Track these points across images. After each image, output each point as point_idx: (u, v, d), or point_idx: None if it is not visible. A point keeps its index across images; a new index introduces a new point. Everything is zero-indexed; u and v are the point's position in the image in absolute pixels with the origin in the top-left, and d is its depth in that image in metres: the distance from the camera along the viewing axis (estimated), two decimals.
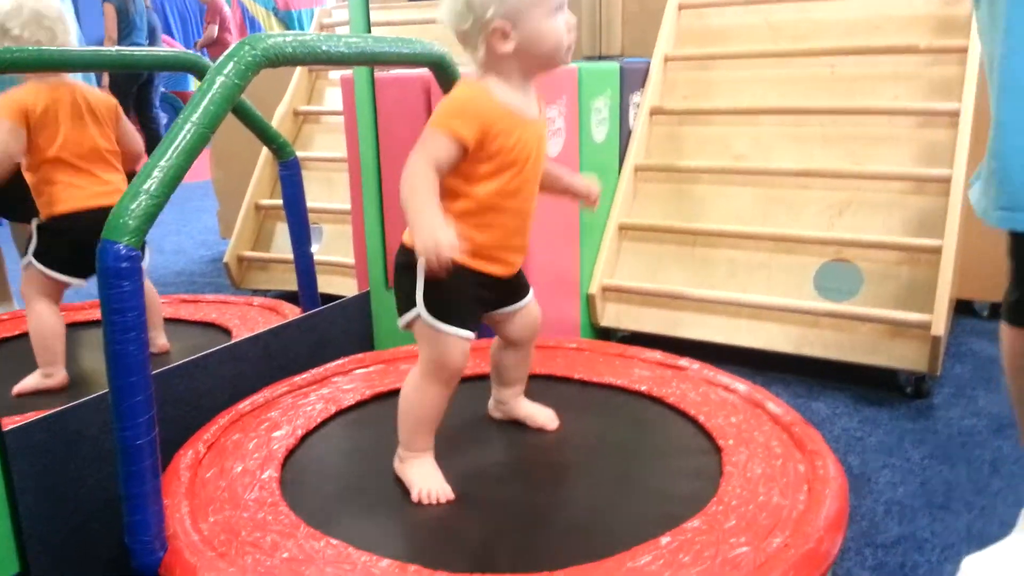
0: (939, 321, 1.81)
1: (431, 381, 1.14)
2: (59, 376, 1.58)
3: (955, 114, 2.01)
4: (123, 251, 0.90)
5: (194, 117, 0.97)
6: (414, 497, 1.12)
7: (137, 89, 4.07)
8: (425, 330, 1.12)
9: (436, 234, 0.99)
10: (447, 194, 1.08)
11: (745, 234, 2.16)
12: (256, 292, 2.41)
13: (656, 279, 2.22)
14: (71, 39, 1.50)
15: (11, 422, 1.07)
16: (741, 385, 1.48)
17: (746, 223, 2.19)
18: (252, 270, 2.48)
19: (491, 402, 1.37)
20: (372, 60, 1.22)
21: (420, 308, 1.11)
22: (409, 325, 1.14)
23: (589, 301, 2.20)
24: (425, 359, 1.13)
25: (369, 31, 1.64)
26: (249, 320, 1.78)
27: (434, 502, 1.11)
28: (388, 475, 1.20)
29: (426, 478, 1.14)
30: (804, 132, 2.22)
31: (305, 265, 1.73)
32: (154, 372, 1.26)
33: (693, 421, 1.37)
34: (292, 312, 1.82)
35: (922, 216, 2.01)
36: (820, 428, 1.64)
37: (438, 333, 1.11)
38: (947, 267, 1.86)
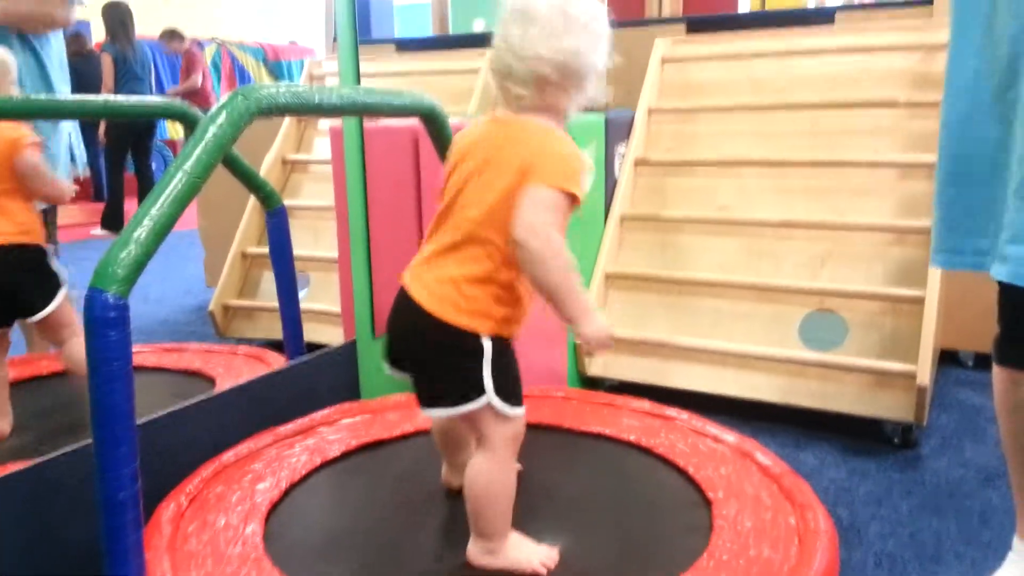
0: (924, 371, 1.82)
1: (510, 460, 1.08)
2: (3, 424, 1.54)
3: (933, 166, 2.04)
4: (111, 300, 0.89)
5: (186, 166, 0.97)
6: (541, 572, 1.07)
7: (135, 139, 4.02)
8: (493, 414, 1.04)
9: (601, 319, 0.99)
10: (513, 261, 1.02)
11: (729, 283, 2.18)
12: (241, 341, 2.38)
13: (642, 328, 2.22)
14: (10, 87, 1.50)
15: None
16: (730, 436, 1.47)
17: (730, 272, 2.20)
18: (237, 318, 2.46)
19: (445, 470, 1.29)
20: (364, 111, 1.23)
21: (491, 395, 1.03)
22: (469, 413, 1.05)
23: (576, 350, 2.19)
24: (500, 443, 1.05)
25: (359, 82, 1.66)
26: (234, 369, 1.76)
27: (553, 564, 1.08)
28: (374, 529, 1.18)
29: (531, 551, 1.09)
30: (787, 184, 2.25)
31: (291, 313, 1.72)
32: (137, 423, 1.25)
33: (682, 472, 1.36)
34: (277, 361, 1.80)
35: (904, 266, 2.04)
36: (809, 479, 1.62)
37: (510, 416, 1.05)
38: (930, 317, 1.88)
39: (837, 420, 1.99)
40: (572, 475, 1.36)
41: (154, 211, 0.93)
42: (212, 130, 1.01)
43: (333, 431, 1.48)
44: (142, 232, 0.92)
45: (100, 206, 4.08)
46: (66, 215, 3.78)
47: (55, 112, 1.45)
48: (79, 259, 1.62)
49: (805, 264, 2.14)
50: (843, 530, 1.51)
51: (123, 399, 0.91)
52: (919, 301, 1.92)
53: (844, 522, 1.56)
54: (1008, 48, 1.08)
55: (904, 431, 1.91)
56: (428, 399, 1.08)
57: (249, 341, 2.36)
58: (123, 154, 4.00)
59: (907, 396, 1.86)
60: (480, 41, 2.72)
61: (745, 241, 2.24)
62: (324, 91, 1.16)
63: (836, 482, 1.75)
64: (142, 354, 1.86)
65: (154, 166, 4.74)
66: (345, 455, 1.41)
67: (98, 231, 3.85)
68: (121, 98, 1.50)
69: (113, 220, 3.90)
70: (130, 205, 3.33)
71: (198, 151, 0.99)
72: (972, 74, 1.07)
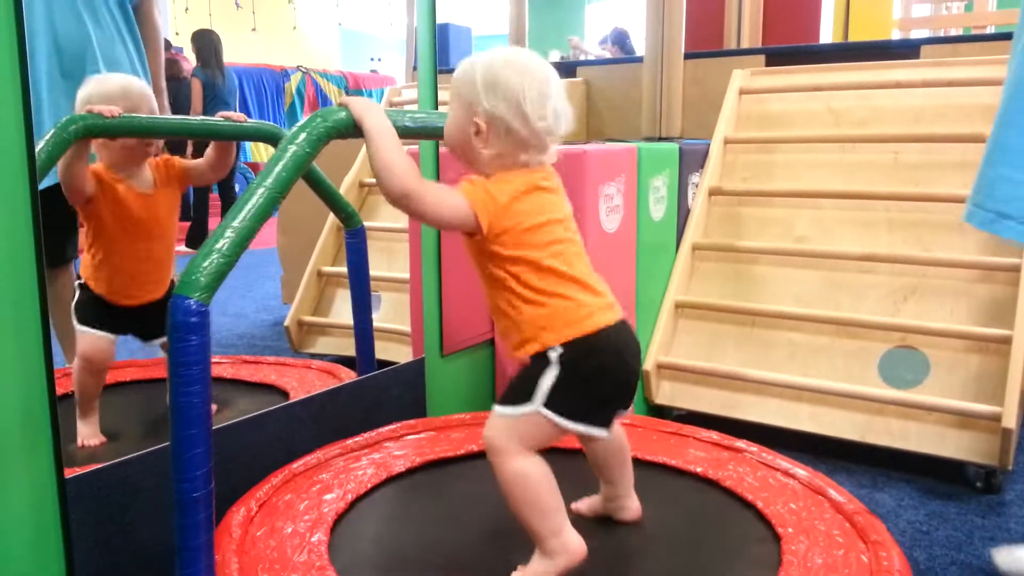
0: (1010, 413, 1.74)
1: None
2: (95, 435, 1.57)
3: None
4: (193, 306, 0.93)
5: (267, 182, 1.02)
6: None
7: None
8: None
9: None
10: None
11: (807, 316, 2.12)
12: (314, 356, 2.44)
13: (713, 358, 2.19)
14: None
15: (71, 472, 1.09)
16: (801, 471, 1.43)
17: (807, 306, 2.15)
18: (311, 334, 2.52)
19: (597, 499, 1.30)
20: (436, 135, 1.26)
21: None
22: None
23: (644, 378, 2.17)
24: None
25: (436, 108, 1.71)
26: (306, 382, 1.80)
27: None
28: (434, 545, 1.18)
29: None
30: (868, 217, 2.20)
31: (364, 330, 1.76)
32: (212, 428, 1.29)
33: (751, 507, 1.32)
34: (348, 376, 1.83)
35: (991, 304, 1.95)
36: (885, 520, 1.56)
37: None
38: (1018, 358, 1.80)
39: (917, 461, 1.91)
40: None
41: (236, 223, 0.98)
42: (292, 149, 1.05)
43: (399, 446, 1.50)
44: (224, 243, 0.96)
45: (186, 225, 4.24)
46: None
47: (158, 131, 1.53)
48: None
49: (887, 299, 2.08)
50: (919, 573, 1.45)
51: (201, 402, 0.94)
52: (1006, 340, 1.84)
53: (921, 565, 1.49)
54: None
55: (988, 475, 1.82)
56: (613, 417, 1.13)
57: (322, 356, 2.42)
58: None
59: (991, 439, 1.78)
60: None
61: (824, 274, 2.19)
62: (397, 114, 1.20)
63: (914, 524, 1.68)
64: (221, 365, 1.93)
65: (237, 187, 4.92)
66: (410, 471, 1.42)
67: (183, 248, 4.01)
68: (219, 120, 1.56)
69: (198, 238, 4.04)
70: (213, 224, 3.47)
71: (278, 168, 1.03)
72: None
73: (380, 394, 1.65)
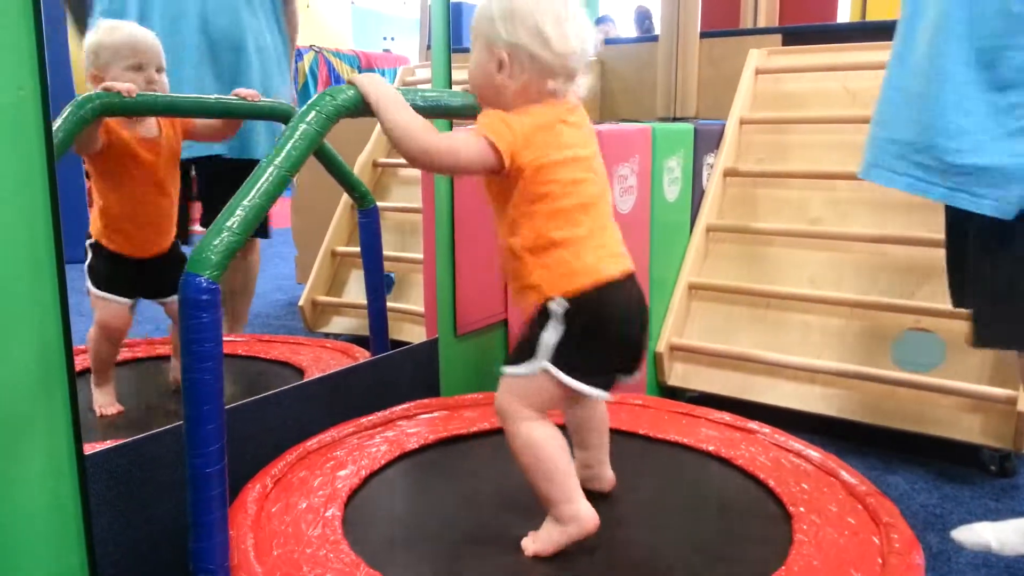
0: None
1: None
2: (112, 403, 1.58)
3: None
4: (204, 284, 0.93)
5: (276, 161, 1.02)
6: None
7: None
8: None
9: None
10: None
11: (820, 298, 2.11)
12: (329, 335, 2.46)
13: (726, 340, 2.18)
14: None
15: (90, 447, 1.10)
16: (814, 452, 1.43)
17: (821, 288, 2.14)
18: (326, 314, 2.53)
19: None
20: (446, 113, 1.26)
21: None
22: None
23: (656, 359, 2.17)
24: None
25: (450, 87, 1.70)
26: (322, 361, 1.81)
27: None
28: (447, 520, 1.19)
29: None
30: (883, 198, 2.17)
31: (378, 310, 1.77)
32: (228, 407, 1.30)
33: (762, 485, 1.32)
34: (362, 355, 1.84)
35: None
36: (897, 503, 1.56)
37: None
38: None
39: (931, 444, 1.90)
40: (646, 482, 1.34)
41: (246, 202, 0.98)
42: (302, 127, 1.05)
43: (412, 424, 1.51)
44: (235, 221, 0.96)
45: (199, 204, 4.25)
46: None
47: (174, 110, 1.53)
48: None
49: (902, 281, 2.06)
50: (931, 556, 1.45)
51: (213, 378, 0.95)
52: None
53: (933, 548, 1.49)
54: None
55: (1002, 459, 1.82)
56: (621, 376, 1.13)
57: (336, 336, 2.43)
58: None
59: (1006, 422, 1.76)
60: None
61: (838, 255, 2.17)
62: (408, 92, 1.19)
63: (927, 507, 1.67)
64: (237, 343, 1.94)
65: None
66: (423, 448, 1.43)
67: (198, 228, 4.03)
68: (233, 99, 1.56)
69: (211, 219, 4.07)
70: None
71: (288, 147, 1.03)
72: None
73: (394, 374, 1.66)
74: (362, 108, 1.10)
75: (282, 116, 1.66)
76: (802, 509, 1.21)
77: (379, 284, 1.76)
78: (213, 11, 1.67)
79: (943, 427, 1.86)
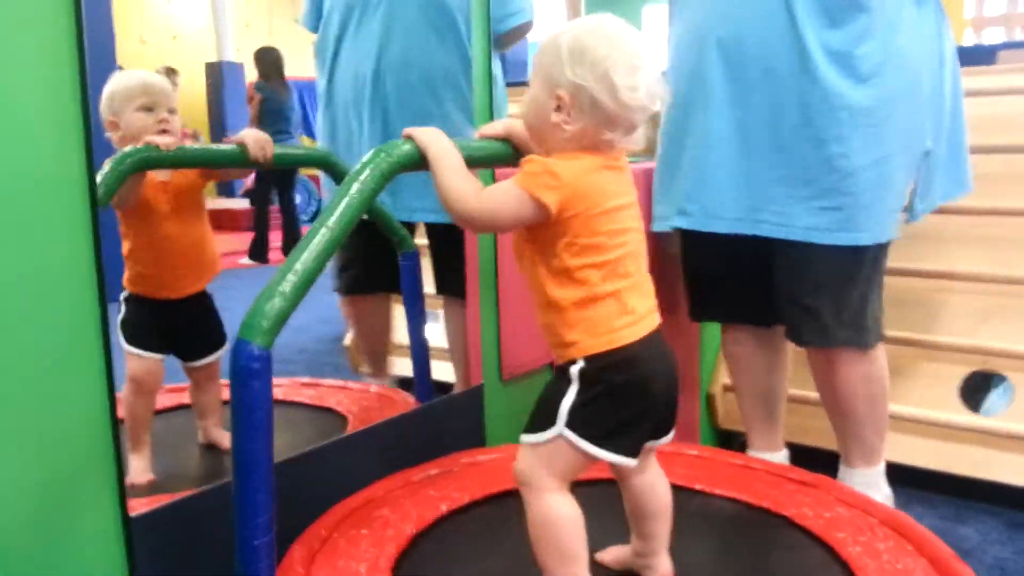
0: None
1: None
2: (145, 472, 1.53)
3: None
4: (256, 351, 0.91)
5: (329, 222, 0.99)
6: None
7: (280, 173, 4.21)
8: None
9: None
10: None
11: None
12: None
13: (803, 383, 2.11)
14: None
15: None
16: (880, 506, 1.36)
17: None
18: None
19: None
20: (483, 163, 1.21)
21: None
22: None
23: (709, 401, 2.11)
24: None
25: (492, 118, 1.67)
26: (365, 407, 1.79)
27: None
28: None
29: None
30: (943, 231, 2.09)
31: (420, 355, 1.74)
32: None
33: (826, 546, 1.26)
34: (406, 400, 1.82)
35: None
36: (969, 557, 1.49)
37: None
38: None
39: (1002, 491, 1.81)
40: (702, 545, 1.28)
41: (298, 266, 0.96)
42: (355, 187, 1.02)
43: (460, 478, 1.47)
44: (287, 286, 0.95)
45: (249, 235, 4.30)
46: (219, 244, 4.03)
47: (212, 162, 1.53)
48: (227, 287, 1.65)
49: (965, 319, 1.98)
50: None
51: (263, 447, 0.93)
52: None
53: None
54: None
55: None
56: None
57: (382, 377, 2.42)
58: (269, 188, 4.22)
59: None
60: None
61: (897, 294, 2.09)
62: (465, 144, 1.16)
63: (1001, 561, 1.59)
64: (281, 387, 1.93)
65: (298, 198, 4.97)
66: (472, 504, 1.39)
67: (245, 260, 4.08)
68: (276, 150, 1.54)
69: (259, 251, 4.11)
70: (274, 236, 3.50)
71: (341, 207, 1.01)
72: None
73: (439, 423, 1.63)
74: (418, 163, 1.08)
75: (323, 163, 1.65)
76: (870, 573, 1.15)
77: (420, 329, 1.74)
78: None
79: (1014, 474, 1.77)
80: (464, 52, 1.73)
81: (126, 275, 1.49)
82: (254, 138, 1.49)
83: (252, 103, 4.05)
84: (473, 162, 1.16)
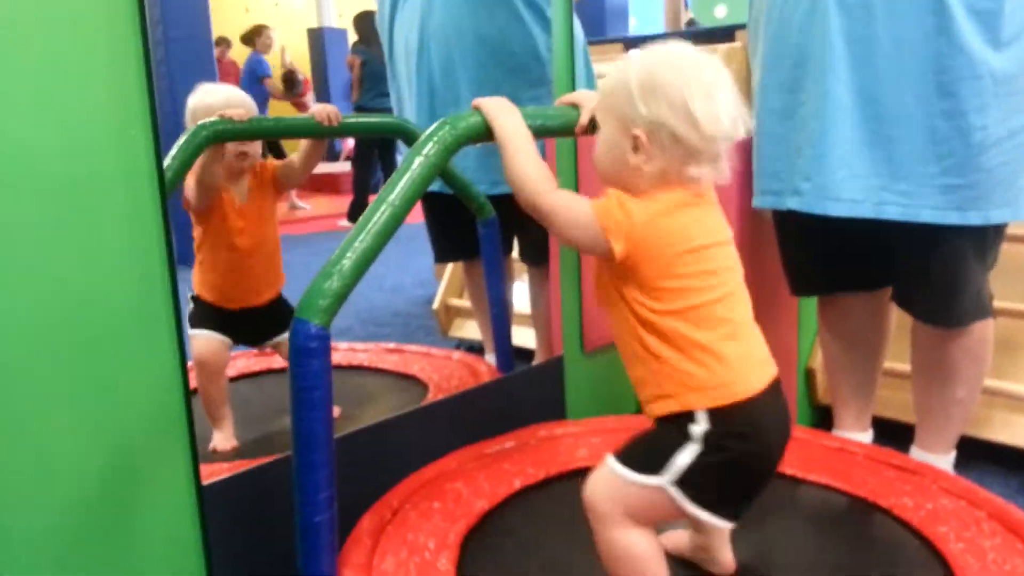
0: None
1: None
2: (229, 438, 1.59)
3: None
4: (314, 330, 0.91)
5: (390, 197, 0.97)
6: None
7: (382, 137, 4.26)
8: None
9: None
10: None
11: (1001, 310, 1.86)
12: (462, 341, 2.45)
13: (893, 356, 1.97)
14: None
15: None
16: (989, 497, 1.25)
17: (1003, 299, 1.89)
18: (460, 317, 2.52)
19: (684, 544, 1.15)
20: (545, 133, 1.14)
21: None
22: None
23: (808, 376, 2.00)
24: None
25: (573, 87, 1.61)
26: (447, 375, 1.80)
27: None
28: (565, 565, 1.13)
29: None
30: None
31: (501, 325, 1.72)
32: (350, 431, 1.30)
33: (927, 543, 1.17)
34: (488, 368, 1.81)
35: None
36: None
37: None
38: None
39: None
40: (789, 538, 1.21)
41: (357, 243, 0.94)
42: (418, 161, 0.99)
43: (536, 453, 1.44)
44: (345, 264, 0.93)
45: (348, 198, 4.39)
46: (318, 207, 4.12)
47: (284, 132, 1.54)
48: (326, 250, 1.69)
49: None
50: None
51: (322, 426, 0.93)
52: None
53: None
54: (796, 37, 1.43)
55: None
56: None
57: (470, 341, 2.42)
58: (371, 152, 4.26)
59: None
60: (714, 35, 2.55)
61: (1013, 260, 1.91)
62: (535, 113, 1.10)
63: None
64: (367, 353, 1.96)
65: (398, 156, 5.02)
66: (547, 481, 1.37)
67: (344, 223, 4.16)
68: (350, 119, 1.54)
69: (358, 214, 4.19)
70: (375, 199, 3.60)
71: (403, 183, 0.98)
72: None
73: (519, 394, 1.61)
74: (485, 136, 1.03)
75: (398, 131, 1.63)
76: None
77: (501, 299, 1.72)
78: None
79: None
80: (517, 16, 1.66)
81: (195, 279, 1.55)
82: (320, 107, 1.50)
83: (352, 69, 4.09)
84: (544, 132, 1.11)
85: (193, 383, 1.12)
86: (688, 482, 0.91)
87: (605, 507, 0.94)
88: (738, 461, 0.92)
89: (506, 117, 1.02)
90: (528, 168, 0.98)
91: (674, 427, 0.92)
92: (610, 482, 0.94)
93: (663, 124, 0.90)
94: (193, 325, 1.52)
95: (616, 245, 0.90)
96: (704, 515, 0.92)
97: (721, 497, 0.93)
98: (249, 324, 1.59)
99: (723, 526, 0.96)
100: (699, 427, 0.90)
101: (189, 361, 1.07)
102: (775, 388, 0.95)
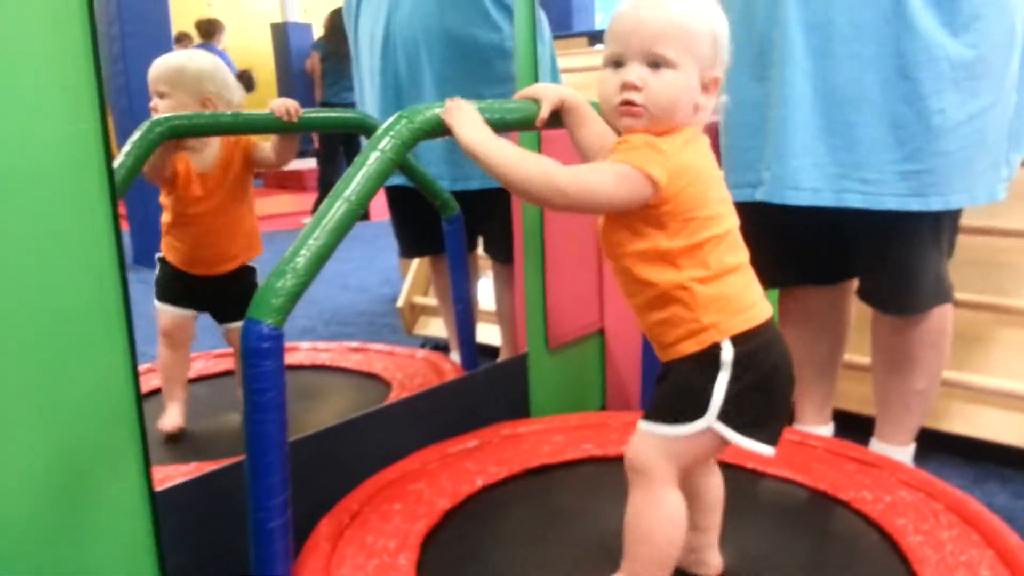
0: None
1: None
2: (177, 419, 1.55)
3: None
4: (266, 331, 0.88)
5: (346, 193, 0.95)
6: None
7: (347, 133, 4.24)
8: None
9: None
10: None
11: (962, 302, 1.88)
12: (428, 339, 2.43)
13: (852, 348, 1.99)
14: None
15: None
16: (947, 489, 1.27)
17: (962, 291, 1.91)
18: (425, 315, 2.51)
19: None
20: (505, 127, 1.13)
21: None
22: None
23: None
24: None
25: (536, 80, 1.59)
26: (410, 374, 1.78)
27: None
28: (531, 565, 1.12)
29: None
30: None
31: (464, 322, 1.71)
32: (308, 434, 1.27)
33: (886, 535, 1.18)
34: (451, 366, 1.80)
35: None
36: None
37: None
38: None
39: None
40: (751, 527, 1.22)
41: (312, 241, 0.92)
42: (374, 156, 0.97)
43: (499, 451, 1.43)
44: (299, 262, 0.91)
45: (313, 195, 4.34)
46: (280, 205, 4.07)
47: (240, 128, 1.51)
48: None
49: None
50: None
51: (276, 428, 0.91)
52: None
53: None
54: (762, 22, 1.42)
55: None
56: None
57: (435, 339, 2.40)
58: (335, 148, 4.22)
59: None
60: None
61: (974, 254, 1.94)
62: (494, 108, 1.09)
63: None
64: (329, 353, 1.94)
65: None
66: (510, 479, 1.36)
67: (307, 220, 4.14)
68: (310, 114, 1.51)
69: None
70: None
71: (359, 178, 0.96)
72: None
73: (482, 393, 1.59)
74: (443, 130, 1.01)
75: (358, 127, 1.61)
76: (930, 570, 1.07)
77: (465, 296, 1.70)
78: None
79: None
80: (484, 12, 1.65)
81: (163, 241, 1.51)
82: (280, 102, 1.47)
83: (312, 67, 4.05)
84: (503, 126, 1.09)
85: (145, 387, 1.08)
86: (727, 413, 0.93)
87: (647, 465, 0.95)
88: (764, 380, 0.94)
89: (471, 132, 0.96)
90: (530, 166, 0.93)
91: (703, 362, 0.94)
92: (657, 445, 0.95)
93: (723, 69, 0.97)
94: (158, 296, 1.50)
95: (661, 177, 0.90)
96: (751, 444, 0.94)
97: (755, 420, 0.94)
98: (212, 293, 1.56)
99: (766, 453, 0.96)
100: (727, 353, 0.92)
101: (141, 364, 1.03)
102: (772, 320, 0.99)
